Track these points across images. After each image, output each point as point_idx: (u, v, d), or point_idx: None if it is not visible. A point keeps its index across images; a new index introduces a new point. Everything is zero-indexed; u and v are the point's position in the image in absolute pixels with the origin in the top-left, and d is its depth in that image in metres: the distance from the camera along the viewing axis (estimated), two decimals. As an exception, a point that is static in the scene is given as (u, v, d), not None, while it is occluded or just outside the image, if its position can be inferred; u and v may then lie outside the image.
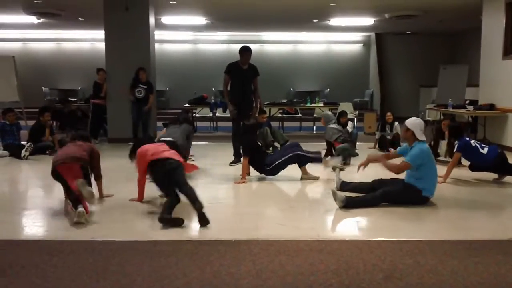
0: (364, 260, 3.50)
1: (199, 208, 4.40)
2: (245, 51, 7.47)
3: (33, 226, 4.52)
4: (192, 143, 8.23)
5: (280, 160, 6.33)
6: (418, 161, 5.02)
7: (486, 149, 6.30)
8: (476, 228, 4.46)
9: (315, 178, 6.38)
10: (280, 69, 17.51)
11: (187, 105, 12.44)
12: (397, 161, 5.37)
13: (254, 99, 7.62)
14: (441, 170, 5.78)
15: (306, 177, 6.40)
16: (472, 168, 6.55)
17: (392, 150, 8.32)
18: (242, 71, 7.45)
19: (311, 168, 6.51)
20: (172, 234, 4.23)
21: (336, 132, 7.91)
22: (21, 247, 3.91)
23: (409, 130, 5.14)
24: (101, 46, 10.80)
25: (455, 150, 6.33)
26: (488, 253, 3.66)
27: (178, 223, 4.35)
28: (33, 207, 5.18)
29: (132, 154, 5.18)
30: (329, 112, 8.93)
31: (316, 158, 6.40)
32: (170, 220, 4.37)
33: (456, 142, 6.38)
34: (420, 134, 5.12)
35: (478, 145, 6.34)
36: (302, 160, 6.32)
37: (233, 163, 7.57)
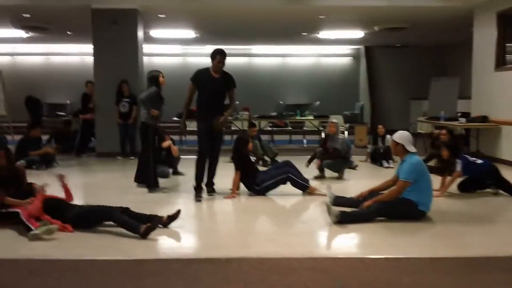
0: (359, 279, 3.36)
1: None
2: (218, 54, 5.97)
3: (15, 243, 4.29)
4: (181, 157, 8.14)
5: (271, 182, 6.15)
6: (414, 175, 4.91)
7: (480, 161, 6.39)
8: (474, 244, 4.34)
9: (323, 195, 5.96)
10: (269, 82, 17.45)
11: (175, 118, 12.29)
12: None
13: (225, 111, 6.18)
14: (435, 182, 5.68)
15: (314, 193, 6.21)
16: (462, 187, 6.45)
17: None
18: (213, 80, 6.04)
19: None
20: (159, 252, 4.07)
21: (346, 147, 7.70)
22: (1, 265, 3.73)
23: (399, 144, 5.06)
24: (90, 60, 10.69)
25: (458, 169, 6.18)
26: (488, 271, 3.55)
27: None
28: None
29: None
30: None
31: (303, 187, 6.20)
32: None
33: (458, 160, 6.23)
34: (410, 146, 5.04)
35: (474, 160, 6.36)
36: (292, 183, 6.17)
37: (198, 197, 5.98)
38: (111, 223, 4.61)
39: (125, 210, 4.69)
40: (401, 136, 5.10)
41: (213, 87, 6.03)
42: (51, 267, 3.65)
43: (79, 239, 4.35)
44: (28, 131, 8.95)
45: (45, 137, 9.78)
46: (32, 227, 4.34)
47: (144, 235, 4.30)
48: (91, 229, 4.57)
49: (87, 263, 3.75)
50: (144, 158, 6.64)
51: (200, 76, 6.09)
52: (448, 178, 6.28)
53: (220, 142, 6.33)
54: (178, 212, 4.67)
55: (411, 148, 5.05)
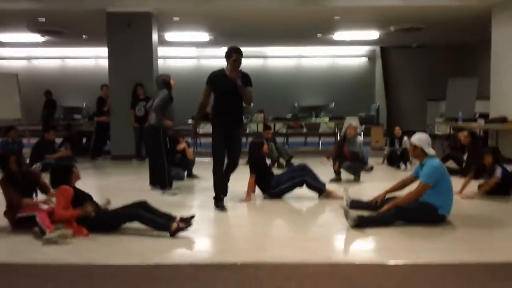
0: (381, 286, 3.26)
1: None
2: (234, 52, 5.51)
3: (29, 248, 4.27)
4: (196, 159, 8.10)
5: (287, 185, 6.06)
6: (434, 178, 4.79)
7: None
8: (498, 249, 4.21)
9: (340, 198, 5.85)
10: (284, 84, 17.38)
11: (190, 121, 12.29)
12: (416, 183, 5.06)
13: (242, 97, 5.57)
14: (457, 184, 5.55)
15: (331, 196, 6.12)
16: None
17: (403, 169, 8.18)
18: (229, 81, 5.51)
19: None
20: (173, 257, 4.01)
21: (359, 147, 7.61)
22: (16, 271, 3.71)
23: (417, 147, 4.95)
24: (105, 63, 10.73)
25: (497, 174, 6.11)
26: (513, 277, 3.43)
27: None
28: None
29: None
30: None
31: (319, 190, 6.11)
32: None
33: (498, 166, 6.18)
34: (428, 149, 4.93)
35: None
36: (308, 186, 6.08)
37: (220, 206, 5.61)
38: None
39: (144, 205, 4.71)
40: (420, 138, 4.98)
41: (230, 88, 5.48)
42: (65, 273, 3.62)
43: (92, 243, 4.31)
44: (43, 134, 8.99)
45: (58, 140, 9.82)
46: (47, 231, 4.32)
47: (173, 234, 4.39)
48: (109, 232, 4.55)
49: (101, 268, 3.70)
50: (156, 160, 6.62)
51: (215, 78, 5.59)
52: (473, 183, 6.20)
53: (238, 146, 5.86)
54: (192, 217, 4.62)
55: (430, 151, 4.93)
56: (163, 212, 4.73)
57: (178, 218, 4.60)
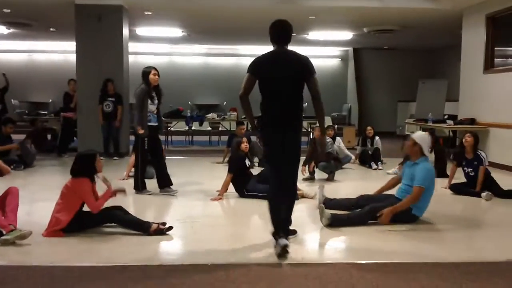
0: (355, 286, 3.18)
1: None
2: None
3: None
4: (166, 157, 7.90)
5: (260, 194, 5.70)
6: (428, 181, 4.74)
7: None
8: (472, 248, 4.22)
9: (310, 197, 5.87)
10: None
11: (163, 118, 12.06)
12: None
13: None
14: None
15: (303, 196, 5.98)
16: (456, 190, 6.45)
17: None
18: None
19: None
20: (141, 258, 3.82)
21: (330, 146, 7.56)
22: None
23: (417, 144, 4.90)
24: (73, 57, 10.39)
25: (486, 164, 6.25)
26: (486, 277, 3.40)
27: None
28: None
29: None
30: None
31: None
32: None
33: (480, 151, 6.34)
34: (426, 150, 4.93)
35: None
36: None
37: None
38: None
39: (120, 208, 4.57)
40: (422, 137, 5.00)
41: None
42: (24, 275, 3.41)
43: (54, 244, 4.09)
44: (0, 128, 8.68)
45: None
46: (4, 232, 4.08)
47: (151, 234, 4.28)
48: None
49: (62, 270, 3.50)
50: (154, 161, 6.39)
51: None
52: None
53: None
54: (169, 228, 4.42)
55: (427, 152, 4.95)
56: (138, 218, 4.53)
57: (155, 226, 4.35)
